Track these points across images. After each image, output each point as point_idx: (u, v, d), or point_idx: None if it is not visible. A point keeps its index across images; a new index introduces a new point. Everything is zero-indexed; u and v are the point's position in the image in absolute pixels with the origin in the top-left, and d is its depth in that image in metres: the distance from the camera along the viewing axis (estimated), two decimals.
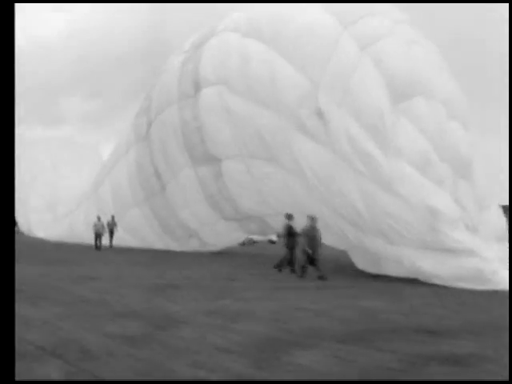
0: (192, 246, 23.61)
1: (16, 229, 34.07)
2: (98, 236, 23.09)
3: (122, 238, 24.85)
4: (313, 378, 4.79)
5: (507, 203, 18.26)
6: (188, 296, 9.39)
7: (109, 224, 23.86)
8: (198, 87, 19.71)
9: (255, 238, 34.93)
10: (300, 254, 13.51)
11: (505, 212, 17.05)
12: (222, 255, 22.14)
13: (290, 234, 15.27)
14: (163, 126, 21.77)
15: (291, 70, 15.90)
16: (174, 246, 23.93)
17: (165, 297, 9.17)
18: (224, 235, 22.64)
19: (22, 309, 7.48)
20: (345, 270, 15.97)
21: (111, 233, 23.98)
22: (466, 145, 15.52)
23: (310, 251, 13.30)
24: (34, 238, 29.95)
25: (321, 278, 13.12)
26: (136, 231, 24.56)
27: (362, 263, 16.19)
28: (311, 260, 13.30)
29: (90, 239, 26.47)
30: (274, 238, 39.98)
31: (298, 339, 6.28)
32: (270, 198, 18.77)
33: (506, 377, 5.08)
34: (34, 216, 34.83)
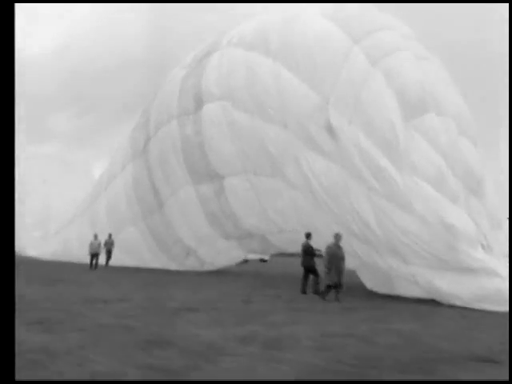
0: (189, 264, 22.86)
1: None
2: (94, 255, 22.03)
3: (116, 257, 23.96)
4: None
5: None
6: (211, 320, 8.71)
7: (106, 243, 22.83)
8: (200, 102, 19.15)
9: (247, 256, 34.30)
10: (325, 273, 12.81)
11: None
12: (223, 275, 21.42)
13: (307, 253, 14.60)
14: (162, 141, 21.13)
15: (299, 85, 15.42)
16: (171, 265, 23.14)
17: (187, 321, 8.49)
18: (223, 254, 21.95)
19: (36, 336, 6.77)
20: (354, 289, 15.37)
21: (109, 252, 22.95)
22: (476, 161, 15.19)
23: (326, 270, 12.70)
24: (24, 257, 28.78)
25: (336, 299, 12.50)
26: (131, 249, 23.70)
27: (371, 283, 15.66)
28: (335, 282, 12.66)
29: (83, 258, 25.51)
30: (266, 257, 39.34)
31: (355, 370, 5.66)
32: (274, 215, 18.19)
33: None
34: (24, 234, 33.74)
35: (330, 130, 14.53)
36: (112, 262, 23.64)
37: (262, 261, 40.17)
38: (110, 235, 22.89)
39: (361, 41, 15.17)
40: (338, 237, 13.13)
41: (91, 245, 22.12)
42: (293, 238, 19.13)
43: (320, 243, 16.10)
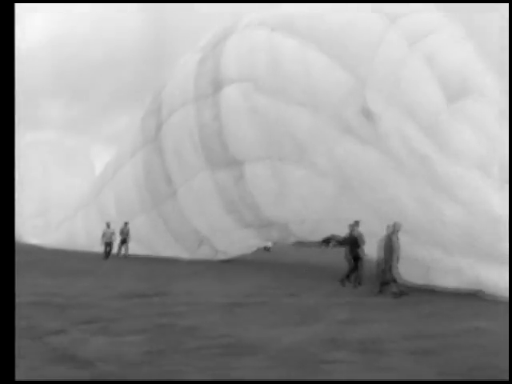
0: (203, 253, 21.88)
1: None
2: (107, 245, 20.81)
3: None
4: None
5: None
6: (273, 318, 7.83)
7: (122, 231, 21.65)
8: (218, 86, 18.14)
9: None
10: (383, 269, 11.91)
11: None
12: (238, 264, 20.49)
13: (355, 243, 13.64)
14: (177, 127, 20.07)
15: (332, 66, 14.49)
16: (183, 254, 22.16)
17: (245, 319, 7.61)
18: (239, 243, 20.99)
19: (96, 339, 5.87)
20: None
21: (124, 241, 21.78)
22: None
23: (383, 266, 11.82)
24: (27, 245, 27.69)
25: (394, 294, 11.57)
26: (141, 238, 22.64)
27: (406, 274, 14.81)
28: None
29: (90, 247, 24.50)
30: (269, 244, 38.45)
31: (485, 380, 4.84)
32: (297, 203, 17.27)
33: None
34: (27, 222, 32.58)
35: (367, 114, 13.64)
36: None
37: (266, 249, 39.22)
38: (125, 223, 21.65)
39: (397, 20, 14.25)
40: (396, 226, 12.08)
41: (104, 234, 20.92)
42: (315, 227, 18.27)
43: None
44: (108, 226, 21.03)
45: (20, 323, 6.38)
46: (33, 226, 33.07)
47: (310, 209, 17.02)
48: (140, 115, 24.07)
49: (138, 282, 12.13)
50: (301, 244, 34.78)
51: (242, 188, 18.46)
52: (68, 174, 35.08)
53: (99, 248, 23.02)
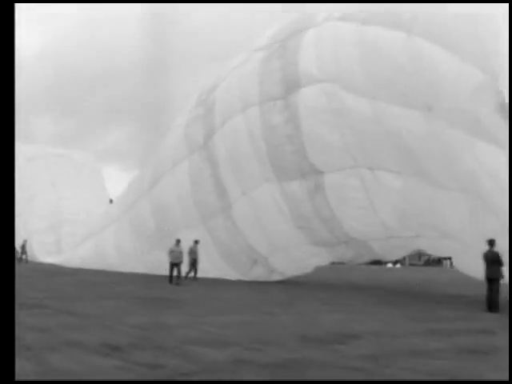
0: (255, 274, 19.32)
1: (22, 256, 28.46)
2: (175, 265, 16.97)
3: (162, 265, 19.84)
4: None
5: None
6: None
7: (191, 251, 18.51)
8: (293, 86, 15.78)
9: None
10: None
11: None
12: (314, 286, 17.99)
13: (494, 262, 11.35)
14: (234, 133, 17.60)
15: (451, 60, 12.30)
16: (231, 274, 19.60)
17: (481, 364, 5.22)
18: (301, 261, 18.35)
19: None
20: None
21: (194, 262, 18.35)
22: None
23: None
24: (48, 265, 24.64)
25: None
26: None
27: None
28: None
29: (119, 265, 21.83)
30: None
31: None
32: (389, 217, 14.94)
33: None
34: (36, 239, 29.48)
35: (504, 110, 11.47)
36: (159, 271, 19.67)
37: None
38: (195, 242, 18.30)
39: None
40: None
41: (172, 252, 17.15)
42: (400, 243, 16.04)
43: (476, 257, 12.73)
44: (178, 243, 17.40)
45: None
46: (39, 242, 30.07)
47: (409, 223, 14.69)
48: (177, 122, 21.66)
49: (276, 317, 9.55)
50: None
51: (318, 201, 16.06)
52: (77, 188, 32.20)
53: (133, 267, 20.37)
